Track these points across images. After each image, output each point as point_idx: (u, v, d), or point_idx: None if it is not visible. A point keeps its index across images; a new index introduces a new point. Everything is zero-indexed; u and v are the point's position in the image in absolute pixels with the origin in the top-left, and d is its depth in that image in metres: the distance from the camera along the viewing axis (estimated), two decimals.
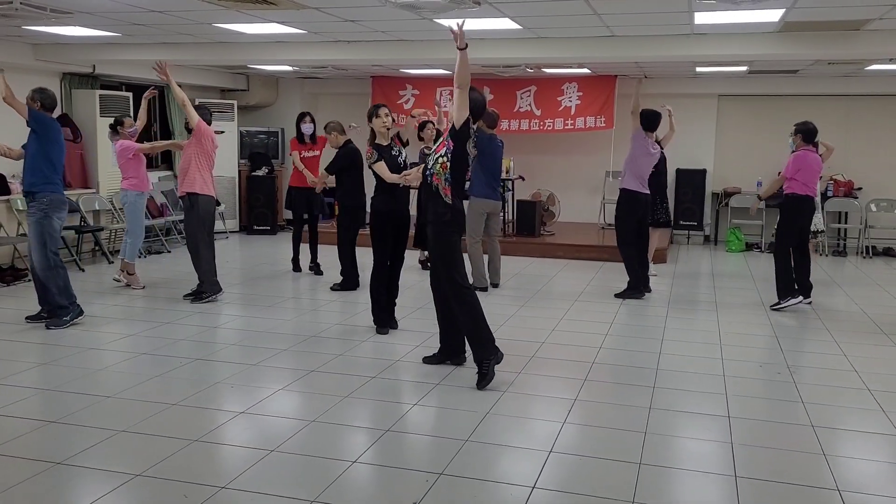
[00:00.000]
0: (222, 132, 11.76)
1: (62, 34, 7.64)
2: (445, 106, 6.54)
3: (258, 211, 12.08)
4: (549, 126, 11.71)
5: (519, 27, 6.58)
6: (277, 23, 6.69)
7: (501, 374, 4.93)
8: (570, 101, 11.58)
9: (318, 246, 8.68)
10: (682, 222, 11.67)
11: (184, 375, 4.94)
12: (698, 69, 10.02)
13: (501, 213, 10.91)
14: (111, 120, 9.81)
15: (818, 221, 8.24)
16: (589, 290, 8.04)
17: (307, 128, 8.50)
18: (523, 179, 11.12)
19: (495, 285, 7.97)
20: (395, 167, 5.93)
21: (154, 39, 8.06)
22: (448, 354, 5.23)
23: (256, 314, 6.70)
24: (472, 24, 6.49)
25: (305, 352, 5.54)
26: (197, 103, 7.91)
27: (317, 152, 8.53)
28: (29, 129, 5.93)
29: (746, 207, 11.01)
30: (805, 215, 7.15)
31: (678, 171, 11.51)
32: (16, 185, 8.53)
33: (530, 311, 7.03)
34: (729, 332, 6.34)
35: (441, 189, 4.85)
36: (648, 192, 7.61)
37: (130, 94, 10.25)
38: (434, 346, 5.42)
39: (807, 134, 7.01)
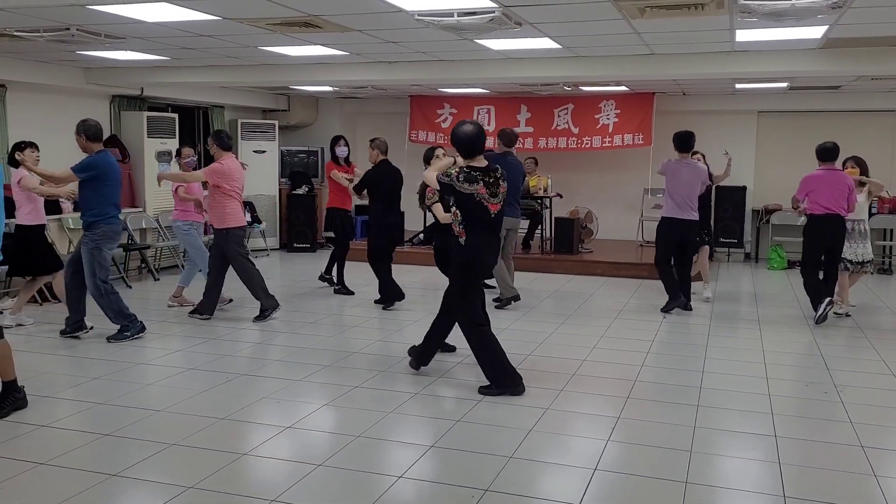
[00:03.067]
0: (263, 152, 12.07)
1: (113, 58, 7.89)
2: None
3: (298, 229, 12.26)
4: (586, 144, 11.72)
5: (559, 46, 6.64)
6: (321, 45, 6.84)
7: (544, 391, 4.97)
8: (608, 118, 11.58)
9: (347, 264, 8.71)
10: (722, 239, 11.57)
11: (231, 390, 5.04)
12: (738, 86, 9.97)
13: (539, 231, 11.01)
14: (159, 142, 10.16)
15: (863, 252, 7.42)
16: (628, 307, 8.00)
17: (342, 150, 8.50)
18: (561, 197, 11.13)
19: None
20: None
21: (201, 63, 8.28)
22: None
23: (299, 331, 6.80)
24: (513, 44, 6.58)
25: (348, 368, 5.61)
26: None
27: (350, 175, 8.42)
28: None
29: (787, 224, 10.91)
30: (820, 234, 7.12)
31: (717, 188, 11.40)
32: (67, 205, 8.79)
33: (570, 328, 7.03)
34: (773, 350, 6.27)
35: (456, 231, 5.01)
36: (689, 216, 7.43)
37: (176, 116, 10.52)
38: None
39: (821, 153, 7.13)
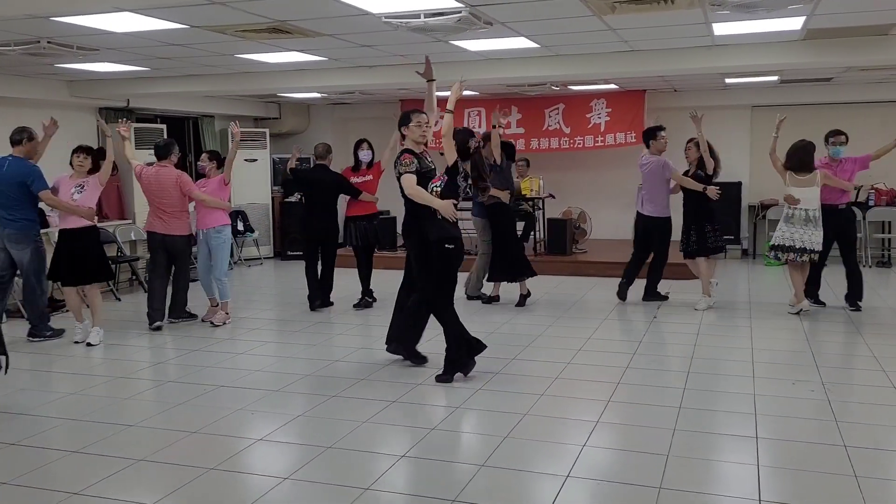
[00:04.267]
0: (254, 160, 12.03)
1: (94, 70, 7.85)
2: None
3: (291, 237, 12.20)
4: (578, 144, 11.63)
5: (536, 45, 6.55)
6: (297, 51, 6.79)
7: (524, 397, 4.89)
8: (600, 117, 11.50)
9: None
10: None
11: (206, 403, 4.96)
12: (728, 80, 9.86)
13: (532, 233, 10.91)
14: (147, 153, 10.08)
15: (810, 240, 7.11)
16: (620, 308, 7.90)
17: (365, 154, 8.02)
18: (553, 198, 11.03)
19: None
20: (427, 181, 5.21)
21: (183, 72, 8.24)
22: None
23: (288, 340, 6.73)
24: (489, 45, 6.50)
25: (330, 377, 5.52)
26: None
27: (369, 177, 7.98)
28: None
29: None
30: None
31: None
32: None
33: (558, 330, 6.93)
34: (762, 348, 6.15)
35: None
36: (651, 213, 7.81)
37: (164, 126, 10.48)
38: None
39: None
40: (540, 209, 10.92)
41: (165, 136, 10.25)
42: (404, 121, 5.33)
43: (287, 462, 3.98)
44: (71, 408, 4.92)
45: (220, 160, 7.52)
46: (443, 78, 7.91)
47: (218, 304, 7.29)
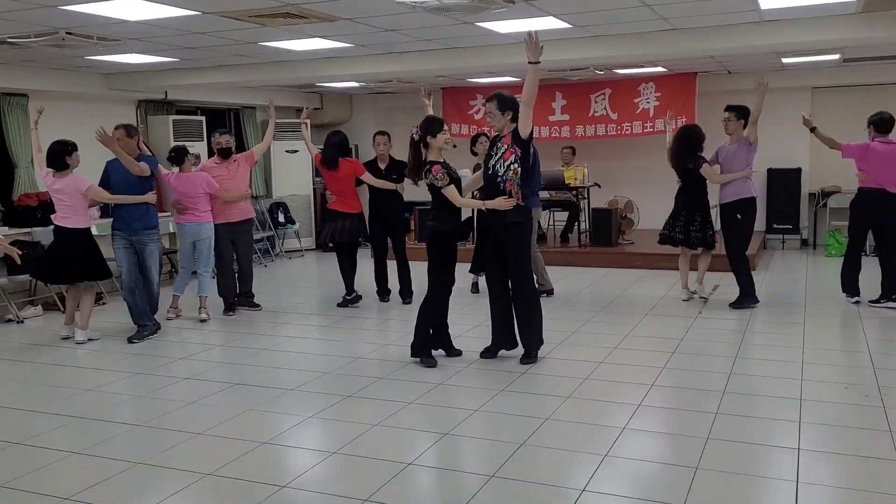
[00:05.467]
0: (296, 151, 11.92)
1: (126, 62, 7.80)
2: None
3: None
4: (626, 130, 11.16)
5: (568, 25, 6.18)
6: (320, 37, 6.57)
7: (549, 399, 4.61)
8: (648, 102, 11.00)
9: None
10: (775, 226, 10.86)
11: (217, 402, 4.81)
12: (785, 60, 9.26)
13: (576, 223, 10.52)
14: (188, 143, 10.08)
15: None
16: (664, 302, 7.48)
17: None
18: (599, 187, 10.61)
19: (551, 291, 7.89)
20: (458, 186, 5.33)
21: (214, 63, 8.14)
22: (500, 345, 5.55)
23: (315, 335, 6.58)
24: (518, 26, 6.17)
25: (347, 375, 5.32)
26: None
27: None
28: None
29: (846, 208, 10.12)
30: (871, 211, 6.95)
31: (769, 170, 10.74)
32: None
33: (595, 326, 6.58)
34: (814, 347, 5.69)
35: (515, 194, 5.09)
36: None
37: (203, 118, 10.45)
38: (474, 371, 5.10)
39: (879, 124, 6.91)
40: (585, 199, 10.52)
41: (204, 128, 10.27)
42: (435, 128, 5.20)
43: (288, 468, 3.78)
44: (78, 407, 4.84)
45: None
46: (474, 63, 7.65)
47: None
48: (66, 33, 5.79)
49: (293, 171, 11.98)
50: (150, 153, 6.97)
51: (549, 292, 7.77)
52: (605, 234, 10.11)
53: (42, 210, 7.81)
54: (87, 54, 7.05)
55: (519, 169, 5.09)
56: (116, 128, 6.25)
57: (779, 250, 10.92)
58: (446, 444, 4.05)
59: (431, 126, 5.22)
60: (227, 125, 11.77)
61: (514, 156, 5.07)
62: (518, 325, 5.44)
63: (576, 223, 10.53)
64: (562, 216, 11.07)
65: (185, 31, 6.06)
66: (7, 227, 7.87)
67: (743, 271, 7.04)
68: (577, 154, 10.78)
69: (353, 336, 6.50)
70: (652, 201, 11.27)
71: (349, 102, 13.06)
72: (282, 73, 8.48)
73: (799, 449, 3.80)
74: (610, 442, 3.94)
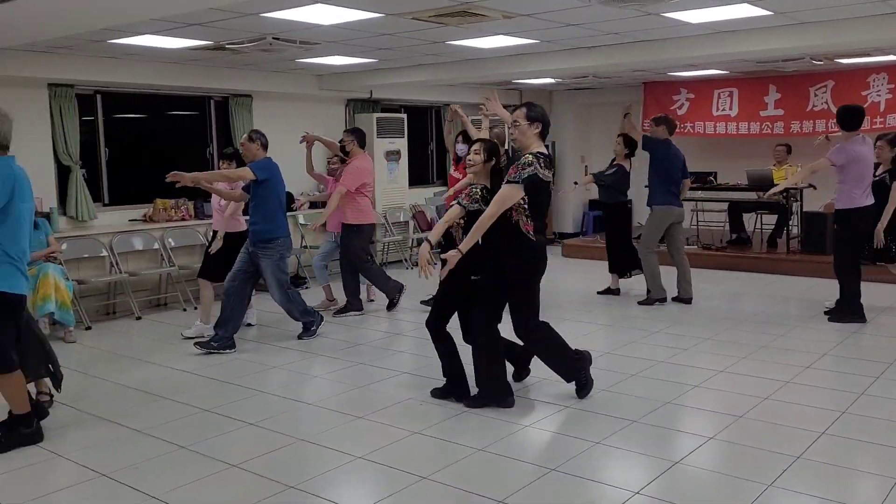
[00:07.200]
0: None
1: (332, 63, 8.36)
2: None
3: None
4: None
5: (767, 12, 5.68)
6: (503, 34, 6.60)
7: (573, 443, 4.10)
8: (879, 95, 9.85)
9: None
10: None
11: (243, 437, 4.26)
12: None
13: (785, 228, 9.69)
14: (388, 141, 10.61)
15: None
16: (870, 327, 6.53)
17: (461, 148, 6.92)
18: (814, 188, 9.68)
19: (689, 300, 7.52)
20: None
21: (410, 62, 8.48)
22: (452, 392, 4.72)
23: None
24: (710, 15, 5.79)
25: (360, 400, 4.82)
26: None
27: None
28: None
29: None
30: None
31: None
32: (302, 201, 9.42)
33: (767, 354, 5.66)
34: None
35: (522, 225, 4.27)
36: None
37: (405, 116, 10.92)
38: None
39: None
40: (796, 201, 9.65)
41: (405, 126, 10.73)
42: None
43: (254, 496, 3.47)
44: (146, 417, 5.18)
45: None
46: (665, 56, 7.26)
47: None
48: (273, 38, 6.31)
49: None
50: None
51: (661, 300, 7.48)
52: (819, 241, 9.20)
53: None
54: (295, 57, 7.64)
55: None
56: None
57: None
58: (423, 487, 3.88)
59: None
60: (429, 122, 12.22)
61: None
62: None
63: (785, 228, 9.69)
64: (770, 219, 10.26)
65: (375, 33, 6.37)
66: None
67: None
68: (792, 152, 9.92)
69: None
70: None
71: (549, 99, 13.01)
72: (474, 70, 8.64)
73: None
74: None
